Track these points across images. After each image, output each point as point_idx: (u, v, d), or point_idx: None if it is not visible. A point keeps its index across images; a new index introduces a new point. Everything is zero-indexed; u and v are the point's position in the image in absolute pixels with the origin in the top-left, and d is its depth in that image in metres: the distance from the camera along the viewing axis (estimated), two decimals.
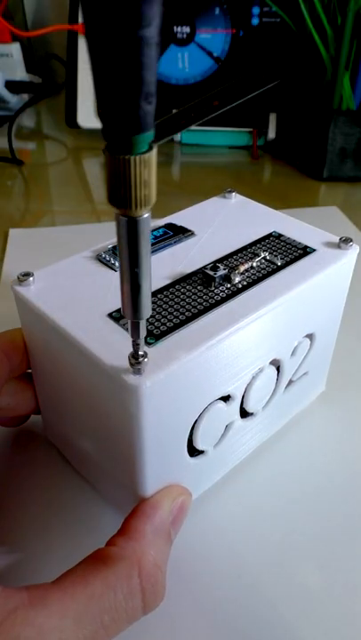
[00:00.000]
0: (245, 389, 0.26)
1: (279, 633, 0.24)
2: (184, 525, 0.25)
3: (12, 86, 0.78)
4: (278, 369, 0.28)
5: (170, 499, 0.24)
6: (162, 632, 0.24)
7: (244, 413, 0.28)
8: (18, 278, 0.25)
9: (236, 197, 0.33)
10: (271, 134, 0.71)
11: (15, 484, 0.29)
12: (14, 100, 0.78)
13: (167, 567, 0.22)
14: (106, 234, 0.28)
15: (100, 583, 0.19)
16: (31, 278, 0.25)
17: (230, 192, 0.33)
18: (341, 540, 0.27)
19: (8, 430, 0.32)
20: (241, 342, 0.24)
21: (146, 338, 0.22)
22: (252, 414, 0.28)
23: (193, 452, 0.26)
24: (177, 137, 0.73)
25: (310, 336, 0.29)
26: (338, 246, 0.28)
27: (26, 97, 0.82)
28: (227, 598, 0.25)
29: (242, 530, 0.28)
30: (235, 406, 0.26)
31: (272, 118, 0.70)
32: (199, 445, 0.25)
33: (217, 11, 0.68)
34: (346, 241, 0.28)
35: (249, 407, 0.27)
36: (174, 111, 0.69)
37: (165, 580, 0.21)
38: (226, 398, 0.25)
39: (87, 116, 0.72)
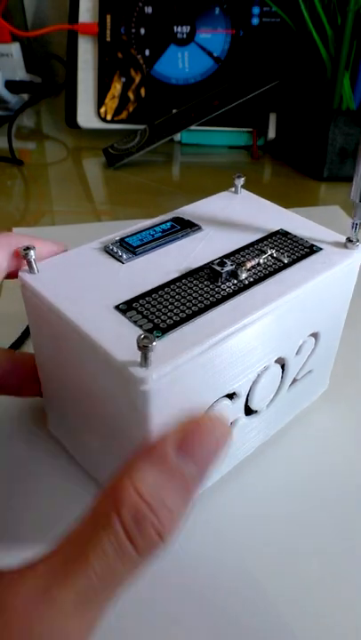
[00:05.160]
0: (251, 387, 0.26)
1: (280, 632, 0.23)
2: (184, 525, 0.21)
3: (12, 86, 0.78)
4: (283, 367, 0.28)
5: (178, 427, 0.18)
6: (162, 631, 0.23)
7: (249, 411, 0.28)
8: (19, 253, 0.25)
9: (243, 192, 0.33)
10: (271, 134, 0.71)
11: (18, 478, 0.29)
12: (14, 100, 0.78)
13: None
14: (107, 233, 0.28)
15: (78, 536, 0.16)
16: (32, 251, 0.24)
17: (239, 177, 0.33)
18: (345, 539, 0.27)
19: (11, 423, 0.32)
20: (247, 339, 0.23)
21: (153, 331, 0.22)
22: (256, 412, 0.28)
23: None
24: (177, 137, 0.73)
25: (315, 335, 0.29)
26: (344, 246, 0.28)
27: (26, 97, 0.81)
28: (227, 598, 0.25)
29: (244, 528, 0.27)
30: (240, 404, 0.26)
31: (272, 118, 0.70)
32: None
33: (217, 11, 0.68)
34: (352, 241, 0.28)
35: (253, 405, 0.27)
36: (174, 111, 0.69)
37: (172, 519, 0.17)
38: (231, 396, 0.25)
39: (87, 115, 0.72)
